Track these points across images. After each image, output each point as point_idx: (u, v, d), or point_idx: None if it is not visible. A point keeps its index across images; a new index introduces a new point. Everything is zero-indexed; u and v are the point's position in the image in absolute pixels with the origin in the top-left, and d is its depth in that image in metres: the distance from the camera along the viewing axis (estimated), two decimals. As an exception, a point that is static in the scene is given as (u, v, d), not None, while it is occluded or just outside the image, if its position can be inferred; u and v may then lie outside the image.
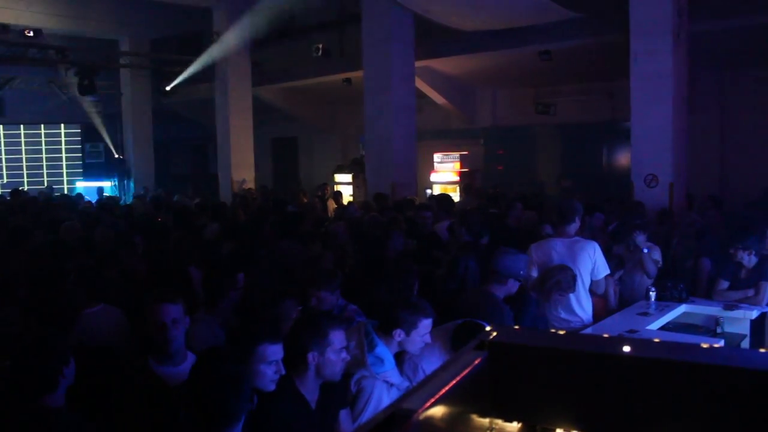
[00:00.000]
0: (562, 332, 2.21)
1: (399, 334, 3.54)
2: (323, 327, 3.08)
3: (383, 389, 3.41)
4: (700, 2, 10.32)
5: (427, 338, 3.60)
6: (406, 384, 3.55)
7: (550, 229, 6.43)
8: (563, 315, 5.45)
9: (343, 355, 3.09)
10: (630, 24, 9.76)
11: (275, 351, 2.96)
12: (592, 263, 5.51)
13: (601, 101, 15.30)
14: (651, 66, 9.59)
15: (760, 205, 9.52)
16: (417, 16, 13.22)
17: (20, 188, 16.54)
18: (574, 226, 5.61)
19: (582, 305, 5.53)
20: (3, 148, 20.77)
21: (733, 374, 1.63)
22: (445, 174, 16.16)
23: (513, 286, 4.71)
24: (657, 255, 6.70)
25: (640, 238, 6.61)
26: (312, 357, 3.03)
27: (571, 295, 5.38)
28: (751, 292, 6.22)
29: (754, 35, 11.09)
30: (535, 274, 5.45)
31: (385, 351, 3.51)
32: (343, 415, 3.30)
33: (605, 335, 2.16)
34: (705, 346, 1.82)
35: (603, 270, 5.60)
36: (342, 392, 3.29)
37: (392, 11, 12.94)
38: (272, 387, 2.96)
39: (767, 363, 1.65)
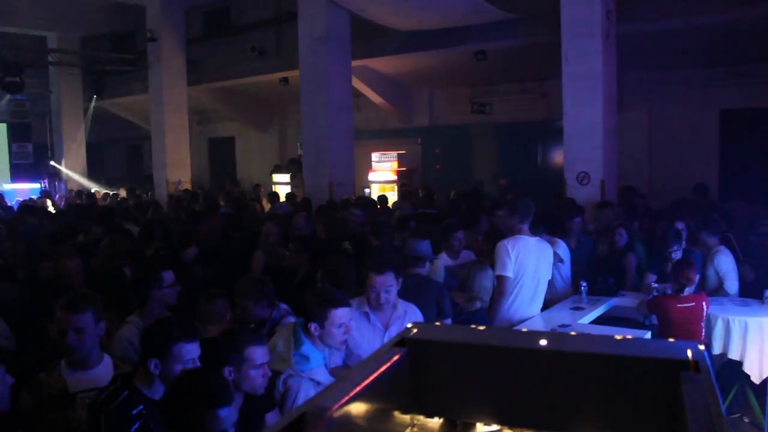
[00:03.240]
0: (481, 328, 2.24)
1: (315, 329, 3.51)
2: (239, 343, 3.06)
3: (310, 387, 3.40)
4: (629, 5, 10.62)
5: (350, 328, 3.59)
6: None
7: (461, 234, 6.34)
8: (521, 315, 5.61)
9: (263, 370, 3.08)
10: (561, 25, 9.97)
11: (191, 349, 2.94)
12: (551, 263, 5.86)
13: (536, 100, 15.56)
14: (581, 66, 9.80)
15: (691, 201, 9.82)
16: (353, 16, 13.21)
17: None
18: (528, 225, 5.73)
19: (537, 303, 5.75)
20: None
21: (642, 363, 1.68)
22: (383, 173, 16.20)
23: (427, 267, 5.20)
24: (560, 249, 6.71)
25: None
26: (228, 372, 3.00)
27: (529, 296, 5.61)
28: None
29: (681, 37, 11.47)
30: (511, 273, 5.51)
31: (311, 349, 3.50)
32: (271, 417, 3.28)
33: (523, 329, 2.20)
34: (618, 337, 1.87)
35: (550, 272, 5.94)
36: (266, 396, 3.26)
37: (328, 10, 12.90)
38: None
39: (666, 350, 1.70)
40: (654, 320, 6.02)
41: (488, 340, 1.92)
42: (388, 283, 4.10)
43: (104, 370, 3.32)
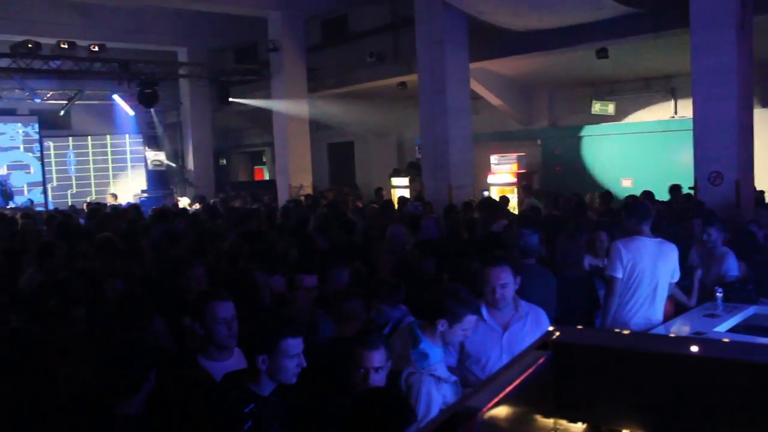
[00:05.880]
0: (626, 332, 2.17)
1: (442, 324, 3.56)
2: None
3: (431, 383, 3.44)
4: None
5: (468, 333, 3.65)
6: (454, 378, 3.58)
7: (604, 236, 6.30)
8: (639, 318, 5.38)
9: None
10: (690, 17, 9.51)
11: (296, 345, 2.99)
12: (674, 265, 5.50)
13: (662, 98, 14.96)
14: (713, 59, 9.32)
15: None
16: (470, 18, 13.16)
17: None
18: (649, 227, 5.52)
19: (659, 306, 5.48)
20: (72, 159, 21.45)
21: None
22: (502, 175, 16.03)
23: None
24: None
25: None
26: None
27: (648, 298, 5.35)
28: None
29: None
30: (620, 275, 5.36)
31: (429, 346, 3.55)
32: None
33: (671, 335, 2.11)
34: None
35: (677, 275, 5.57)
36: None
37: (445, 13, 12.91)
38: (294, 380, 3.02)
39: None
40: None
41: (636, 344, 1.85)
42: (503, 278, 3.99)
43: (237, 363, 3.44)
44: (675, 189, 11.19)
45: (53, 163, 21.08)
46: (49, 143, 20.95)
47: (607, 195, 11.70)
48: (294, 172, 17.34)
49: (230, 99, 18.65)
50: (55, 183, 21.04)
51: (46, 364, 3.62)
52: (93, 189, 20.98)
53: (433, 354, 3.54)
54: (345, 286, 4.50)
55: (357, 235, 8.31)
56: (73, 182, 21.23)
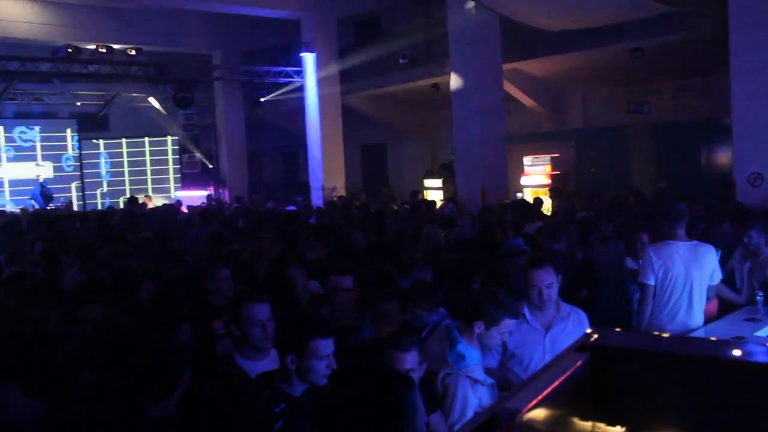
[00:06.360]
0: (665, 335, 2.15)
1: (479, 326, 3.57)
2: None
3: (467, 385, 3.46)
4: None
5: (506, 337, 3.64)
6: (491, 381, 3.59)
7: (646, 238, 6.22)
8: (675, 324, 5.30)
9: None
10: (729, 14, 9.37)
11: (327, 346, 2.98)
12: (712, 268, 5.37)
13: (698, 98, 14.75)
14: (753, 58, 9.17)
15: None
16: (503, 19, 13.11)
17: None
18: (684, 230, 5.42)
19: (696, 311, 5.36)
20: (111, 160, 21.86)
21: None
22: (535, 177, 15.94)
23: None
24: None
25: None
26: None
27: (684, 304, 5.25)
28: None
29: None
30: (652, 281, 5.27)
31: (466, 348, 3.56)
32: (434, 418, 3.32)
33: (712, 338, 2.09)
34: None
35: (718, 276, 5.43)
36: (429, 397, 3.27)
37: (478, 15, 12.88)
38: (324, 381, 2.99)
39: None
40: None
41: (675, 347, 1.84)
42: (547, 279, 3.99)
43: (273, 363, 3.48)
44: (720, 189, 10.99)
45: (91, 165, 21.49)
46: (87, 145, 21.37)
47: (640, 195, 11.54)
48: (327, 174, 17.43)
49: (263, 100, 18.81)
50: (92, 184, 21.46)
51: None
52: (127, 189, 21.30)
53: (470, 356, 3.55)
54: (346, 290, 4.46)
55: (388, 235, 8.33)
56: (104, 184, 21.60)
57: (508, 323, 3.59)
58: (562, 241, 6.24)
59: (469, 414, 3.41)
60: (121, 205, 18.02)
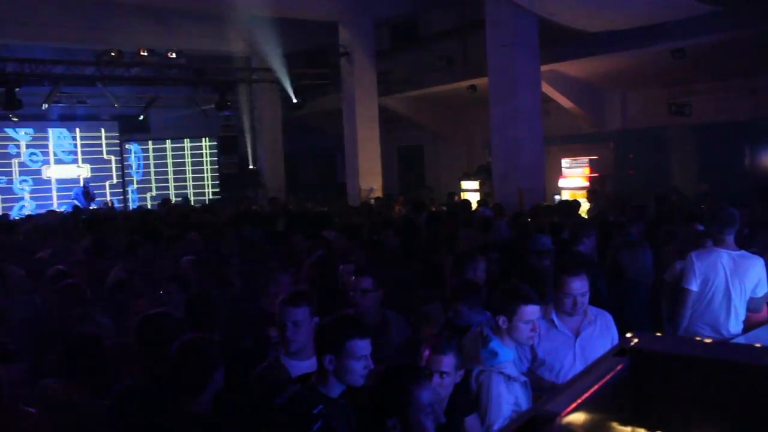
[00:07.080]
0: (707, 340, 2.13)
1: (503, 322, 3.55)
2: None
3: (500, 381, 3.45)
4: None
5: (535, 328, 3.57)
6: (524, 378, 3.58)
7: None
8: (712, 332, 5.17)
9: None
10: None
11: (364, 346, 2.98)
12: (757, 281, 5.13)
13: (742, 98, 14.45)
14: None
15: None
16: (541, 20, 13.00)
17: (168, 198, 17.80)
18: (733, 237, 5.20)
19: (735, 321, 5.18)
20: (152, 162, 22.26)
21: None
22: (574, 179, 15.79)
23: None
24: None
25: None
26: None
27: (722, 314, 5.11)
28: None
29: None
30: (695, 287, 5.13)
31: (498, 345, 3.54)
32: (470, 420, 3.31)
33: (757, 345, 2.06)
34: None
35: (764, 288, 5.18)
36: (464, 398, 3.27)
37: (516, 16, 12.79)
38: (361, 382, 2.98)
39: None
40: None
41: (716, 353, 1.82)
42: (582, 288, 3.95)
43: (315, 363, 3.51)
44: (764, 193, 10.75)
45: (132, 166, 21.90)
46: (129, 147, 21.79)
47: (682, 195, 11.35)
48: (364, 175, 17.48)
49: (300, 102, 18.94)
50: (135, 185, 21.88)
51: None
52: (171, 191, 21.65)
53: (502, 353, 3.53)
54: (365, 291, 4.41)
55: (421, 237, 8.32)
56: (152, 187, 21.97)
57: (528, 310, 3.52)
58: (585, 243, 6.19)
59: (505, 411, 3.40)
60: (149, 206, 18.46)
